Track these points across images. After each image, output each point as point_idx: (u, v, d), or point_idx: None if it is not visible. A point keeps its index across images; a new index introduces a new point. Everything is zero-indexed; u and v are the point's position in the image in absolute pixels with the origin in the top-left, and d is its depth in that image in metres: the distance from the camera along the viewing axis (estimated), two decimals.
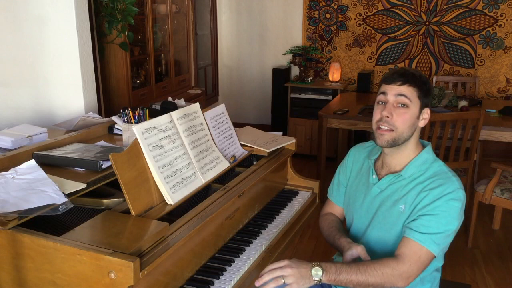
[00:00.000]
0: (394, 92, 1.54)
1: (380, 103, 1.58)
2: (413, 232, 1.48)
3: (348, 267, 1.44)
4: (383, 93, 1.57)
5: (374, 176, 1.66)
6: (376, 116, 1.58)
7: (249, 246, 1.78)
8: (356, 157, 1.81)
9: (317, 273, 1.41)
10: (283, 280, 1.40)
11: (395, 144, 1.56)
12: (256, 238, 1.85)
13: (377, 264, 1.46)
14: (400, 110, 1.54)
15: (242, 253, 1.73)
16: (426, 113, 1.58)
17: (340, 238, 1.68)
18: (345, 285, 1.44)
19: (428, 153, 1.60)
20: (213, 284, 1.54)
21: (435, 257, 1.49)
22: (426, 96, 1.56)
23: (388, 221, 1.59)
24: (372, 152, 1.74)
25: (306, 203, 2.25)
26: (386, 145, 1.57)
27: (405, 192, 1.56)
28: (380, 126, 1.56)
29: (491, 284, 2.95)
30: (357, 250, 1.57)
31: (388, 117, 1.54)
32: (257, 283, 1.43)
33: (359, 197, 1.71)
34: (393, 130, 1.54)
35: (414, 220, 1.50)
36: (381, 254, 1.61)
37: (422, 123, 1.58)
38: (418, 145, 1.62)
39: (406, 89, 1.53)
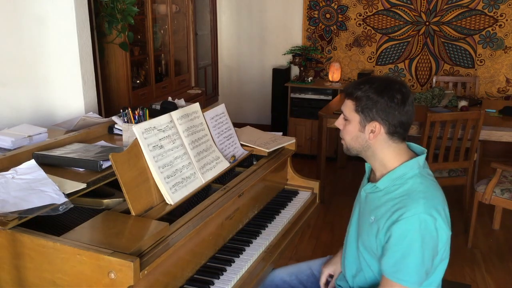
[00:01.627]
0: (342, 106, 1.58)
1: None
2: (384, 270, 1.47)
3: None
4: None
5: (365, 181, 1.67)
6: None
7: (249, 246, 1.78)
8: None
9: None
10: None
11: (350, 152, 1.59)
12: (256, 238, 1.85)
13: None
14: (345, 122, 1.56)
15: (242, 253, 1.73)
16: (372, 126, 1.48)
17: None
18: None
19: (408, 167, 1.50)
20: (213, 284, 1.54)
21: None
22: (369, 109, 1.47)
23: (363, 228, 1.58)
24: None
25: (306, 203, 2.25)
26: (346, 152, 1.61)
27: (378, 205, 1.51)
28: None
29: (491, 284, 2.95)
30: (329, 272, 1.78)
31: (340, 127, 1.59)
32: None
33: (357, 198, 1.73)
34: (344, 140, 1.59)
35: (382, 255, 1.47)
36: (367, 259, 1.59)
37: (371, 137, 1.50)
38: (400, 157, 1.52)
39: (345, 104, 1.55)
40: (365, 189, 1.61)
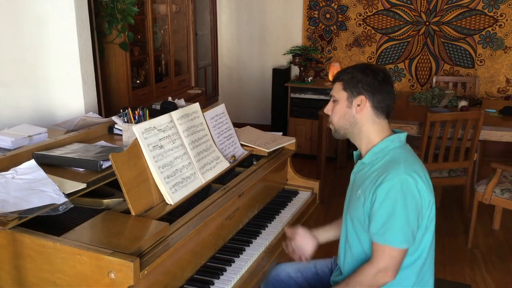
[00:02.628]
0: (331, 92, 1.70)
1: None
2: (373, 235, 1.54)
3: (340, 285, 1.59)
4: None
5: (355, 164, 1.74)
6: None
7: (249, 246, 1.78)
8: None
9: None
10: None
11: (338, 135, 1.69)
12: (256, 238, 1.85)
13: (357, 274, 1.57)
14: (333, 105, 1.67)
15: (242, 253, 1.73)
16: (360, 100, 1.60)
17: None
18: None
19: (389, 141, 1.61)
20: (213, 284, 1.54)
21: (402, 250, 1.51)
22: (354, 84, 1.61)
23: (351, 205, 1.66)
24: None
25: (306, 203, 2.25)
26: (335, 137, 1.72)
27: (364, 178, 1.62)
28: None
29: (491, 284, 2.95)
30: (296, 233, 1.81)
31: (328, 113, 1.70)
32: None
33: (348, 188, 1.77)
34: (331, 123, 1.69)
35: (370, 222, 1.55)
36: (349, 239, 1.68)
37: (358, 110, 1.61)
38: (380, 134, 1.63)
39: (334, 87, 1.67)
40: (353, 171, 1.71)
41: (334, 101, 1.66)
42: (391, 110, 1.64)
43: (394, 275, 1.51)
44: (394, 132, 1.67)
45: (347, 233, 1.69)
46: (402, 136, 1.65)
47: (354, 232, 1.64)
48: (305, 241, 1.83)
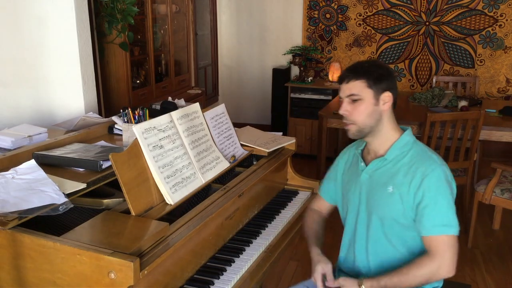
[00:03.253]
0: (345, 91, 1.63)
1: (340, 100, 1.68)
2: (429, 229, 1.54)
3: (388, 277, 1.54)
4: (339, 91, 1.67)
5: (362, 164, 1.71)
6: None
7: (249, 246, 1.78)
8: (347, 153, 1.86)
9: None
10: None
11: (362, 134, 1.65)
12: (256, 238, 1.85)
13: (414, 268, 1.53)
14: (354, 105, 1.61)
15: (242, 253, 1.73)
16: (387, 96, 1.61)
17: (311, 246, 1.78)
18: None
19: (408, 135, 1.66)
20: (213, 284, 1.54)
21: (456, 237, 1.54)
22: (380, 81, 1.59)
23: (379, 204, 1.63)
24: (359, 144, 1.81)
25: (306, 203, 2.25)
26: (355, 137, 1.68)
27: (391, 174, 1.61)
28: (344, 121, 1.67)
29: (491, 284, 2.95)
30: (323, 270, 1.66)
31: (345, 113, 1.63)
32: None
33: (351, 187, 1.75)
34: (354, 124, 1.63)
35: (421, 217, 1.55)
36: (374, 239, 1.66)
37: (385, 107, 1.62)
38: (397, 129, 1.67)
39: (353, 85, 1.60)
40: (367, 170, 1.68)
41: (356, 100, 1.61)
42: None
43: (451, 268, 1.52)
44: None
45: (367, 234, 1.67)
46: (410, 128, 1.69)
47: (381, 231, 1.63)
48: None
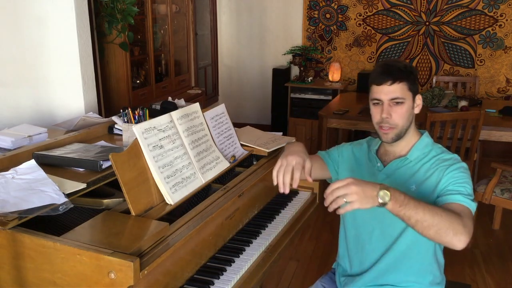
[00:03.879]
0: (387, 93, 1.59)
1: (376, 103, 1.63)
2: (453, 196, 1.49)
3: (416, 202, 1.37)
4: (377, 93, 1.61)
5: (379, 164, 1.70)
6: (376, 117, 1.64)
7: (249, 246, 1.78)
8: (355, 149, 1.83)
9: (384, 196, 1.33)
10: (344, 199, 1.32)
11: (399, 138, 1.64)
12: (256, 238, 1.85)
13: (445, 210, 1.41)
14: (396, 108, 1.59)
15: (242, 253, 1.72)
16: (419, 99, 1.64)
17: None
18: (406, 218, 1.36)
19: (427, 137, 1.69)
20: (213, 284, 1.54)
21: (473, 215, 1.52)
22: (414, 83, 1.62)
23: None
24: (371, 143, 1.80)
25: (306, 203, 2.25)
26: (391, 141, 1.64)
27: (412, 173, 1.62)
28: (381, 126, 1.62)
29: (491, 284, 2.95)
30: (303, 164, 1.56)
31: (387, 117, 1.59)
32: (326, 204, 1.37)
33: None
34: (394, 128, 1.61)
35: (445, 191, 1.53)
36: (391, 238, 1.65)
37: (417, 110, 1.65)
38: (416, 130, 1.69)
39: (397, 88, 1.58)
40: (385, 171, 1.67)
41: (399, 102, 1.58)
42: None
43: (470, 237, 1.39)
44: None
45: (385, 232, 1.66)
46: (426, 131, 1.72)
47: (402, 230, 1.61)
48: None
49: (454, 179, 1.54)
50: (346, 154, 1.84)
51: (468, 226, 1.38)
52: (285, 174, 1.52)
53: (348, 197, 1.31)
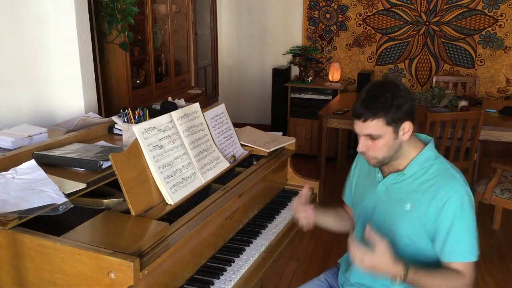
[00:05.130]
0: (361, 128, 1.54)
1: (358, 135, 1.60)
2: (455, 255, 1.52)
3: (425, 272, 1.47)
4: (354, 125, 1.58)
5: (379, 175, 1.67)
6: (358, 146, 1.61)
7: (249, 246, 1.78)
8: (363, 158, 1.81)
9: (395, 280, 1.46)
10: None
11: (384, 164, 1.60)
12: (256, 238, 1.85)
13: (447, 275, 1.50)
14: (373, 142, 1.54)
15: (242, 253, 1.73)
16: (407, 126, 1.52)
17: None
18: (418, 285, 1.48)
19: (430, 150, 1.59)
20: (213, 284, 1.54)
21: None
22: (398, 114, 1.50)
23: (394, 220, 1.60)
24: None
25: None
26: (378, 166, 1.63)
27: (410, 191, 1.57)
28: (363, 153, 1.60)
29: (491, 284, 2.95)
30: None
31: (364, 151, 1.57)
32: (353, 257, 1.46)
33: (366, 196, 1.72)
34: (374, 158, 1.58)
35: (443, 242, 1.52)
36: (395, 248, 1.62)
37: (405, 137, 1.54)
38: (417, 144, 1.60)
39: (370, 125, 1.51)
40: (384, 182, 1.64)
41: (374, 138, 1.53)
42: None
43: None
44: (415, 135, 1.63)
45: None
46: (432, 141, 1.62)
47: (392, 247, 1.56)
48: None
49: (455, 226, 1.49)
50: (357, 166, 1.83)
51: (470, 284, 1.51)
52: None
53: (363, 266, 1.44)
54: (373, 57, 5.31)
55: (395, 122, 1.50)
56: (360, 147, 1.56)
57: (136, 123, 2.01)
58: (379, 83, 1.56)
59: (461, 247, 1.50)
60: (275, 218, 2.04)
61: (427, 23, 5.06)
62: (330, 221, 1.88)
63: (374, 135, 1.52)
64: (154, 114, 2.04)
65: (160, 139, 1.69)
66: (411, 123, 1.53)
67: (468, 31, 4.96)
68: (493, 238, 3.52)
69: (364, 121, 1.51)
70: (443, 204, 1.50)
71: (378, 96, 1.50)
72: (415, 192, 1.55)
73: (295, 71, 5.51)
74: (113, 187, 1.69)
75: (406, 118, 1.51)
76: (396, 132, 1.52)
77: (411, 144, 1.58)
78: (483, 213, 3.76)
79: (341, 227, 1.90)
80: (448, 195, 1.49)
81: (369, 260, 1.42)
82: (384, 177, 1.65)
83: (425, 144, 1.62)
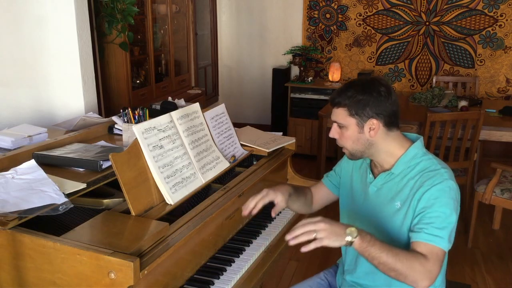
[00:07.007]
0: (332, 116, 1.62)
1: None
2: (422, 234, 1.47)
3: (381, 244, 1.41)
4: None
5: (371, 176, 1.68)
6: None
7: (249, 246, 1.78)
8: (354, 162, 1.80)
9: (351, 234, 1.38)
10: (314, 234, 1.38)
11: (356, 157, 1.63)
12: (256, 238, 1.85)
13: (409, 254, 1.43)
14: (340, 131, 1.61)
15: (242, 253, 1.73)
16: (372, 123, 1.54)
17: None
18: (371, 258, 1.41)
19: (416, 148, 1.59)
20: (213, 284, 1.54)
21: (445, 253, 1.49)
22: (362, 109, 1.53)
23: (386, 220, 1.60)
24: None
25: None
26: (352, 159, 1.66)
27: (399, 189, 1.58)
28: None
29: (491, 284, 2.95)
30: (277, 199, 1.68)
31: (335, 137, 1.63)
32: (288, 237, 1.43)
33: (359, 197, 1.72)
34: (344, 148, 1.63)
35: (417, 223, 1.50)
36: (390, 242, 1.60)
37: (372, 134, 1.55)
38: (404, 143, 1.60)
39: (336, 112, 1.59)
40: (375, 183, 1.64)
41: (341, 126, 1.59)
42: (399, 118, 1.60)
43: (433, 281, 1.43)
44: (404, 135, 1.63)
45: None
46: (421, 140, 1.62)
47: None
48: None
49: (430, 209, 1.48)
50: (345, 167, 1.83)
51: (432, 271, 1.42)
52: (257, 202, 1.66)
53: (318, 233, 1.38)
54: (373, 57, 5.31)
55: (358, 116, 1.54)
56: (331, 133, 1.64)
57: (136, 123, 2.01)
58: (364, 79, 1.63)
59: (430, 229, 1.46)
60: (275, 218, 2.04)
61: (427, 23, 5.06)
62: (298, 205, 1.85)
63: (340, 123, 1.59)
64: (154, 114, 2.04)
65: (160, 139, 1.69)
66: (378, 122, 1.54)
67: (468, 31, 4.96)
68: (493, 238, 3.52)
69: (333, 106, 1.61)
70: (423, 192, 1.50)
71: (350, 88, 1.56)
72: (404, 189, 1.56)
73: (295, 71, 5.51)
74: (113, 187, 1.69)
75: (373, 116, 1.53)
76: (361, 126, 1.55)
77: (397, 143, 1.59)
78: (483, 213, 3.77)
79: (307, 211, 1.91)
80: (431, 185, 1.50)
81: (324, 220, 1.40)
82: (375, 178, 1.66)
83: (413, 142, 1.62)
